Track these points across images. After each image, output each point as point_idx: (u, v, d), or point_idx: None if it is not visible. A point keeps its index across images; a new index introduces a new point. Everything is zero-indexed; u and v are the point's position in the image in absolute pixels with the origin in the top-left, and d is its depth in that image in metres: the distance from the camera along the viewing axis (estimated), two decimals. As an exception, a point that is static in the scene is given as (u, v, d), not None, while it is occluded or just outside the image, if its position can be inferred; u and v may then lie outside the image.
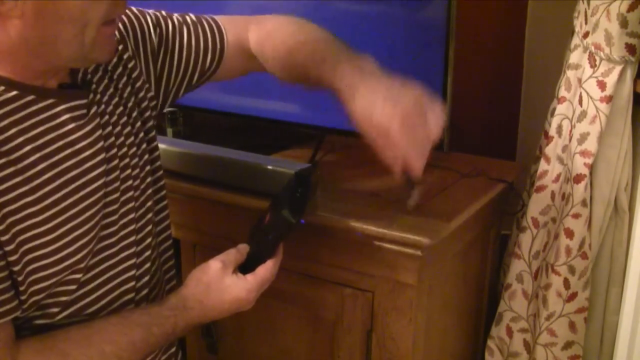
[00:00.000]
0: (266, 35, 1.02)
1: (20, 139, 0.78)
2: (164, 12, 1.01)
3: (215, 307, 0.90)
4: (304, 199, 0.96)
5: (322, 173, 1.14)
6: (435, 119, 0.86)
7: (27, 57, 0.78)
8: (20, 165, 0.77)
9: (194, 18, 1.02)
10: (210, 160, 1.19)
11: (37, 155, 0.79)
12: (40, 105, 0.80)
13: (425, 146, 0.86)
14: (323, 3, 1.26)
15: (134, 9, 0.97)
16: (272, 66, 1.01)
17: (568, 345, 1.21)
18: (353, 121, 0.88)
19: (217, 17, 1.04)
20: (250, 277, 0.91)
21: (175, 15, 1.01)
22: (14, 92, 0.78)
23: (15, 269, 0.77)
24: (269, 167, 1.12)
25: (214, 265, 0.90)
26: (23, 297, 0.79)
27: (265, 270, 0.92)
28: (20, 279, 0.78)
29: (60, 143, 0.81)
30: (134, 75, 0.95)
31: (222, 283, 0.89)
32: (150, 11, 0.99)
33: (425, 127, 0.86)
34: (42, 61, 0.79)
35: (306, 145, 1.35)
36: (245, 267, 0.92)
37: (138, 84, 0.95)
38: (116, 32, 0.92)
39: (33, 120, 0.79)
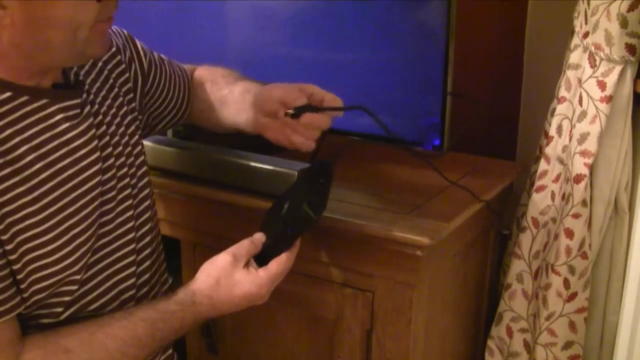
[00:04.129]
0: (201, 72, 1.14)
1: (16, 140, 0.78)
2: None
3: (225, 302, 0.89)
4: (325, 191, 0.93)
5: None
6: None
7: (21, 60, 0.78)
8: (17, 166, 0.77)
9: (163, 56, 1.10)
10: (210, 160, 1.19)
11: (33, 155, 0.79)
12: (34, 105, 0.81)
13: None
14: (323, 2, 1.26)
15: (125, 32, 1.02)
16: (199, 97, 1.11)
17: (568, 345, 1.21)
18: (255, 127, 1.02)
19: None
20: (262, 272, 0.89)
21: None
22: (8, 94, 0.78)
23: (16, 267, 0.77)
24: (269, 167, 1.12)
25: (225, 258, 0.89)
26: (25, 295, 0.79)
27: (278, 264, 0.90)
28: (20, 277, 0.78)
29: (56, 142, 0.82)
30: (127, 87, 0.97)
31: (232, 278, 0.88)
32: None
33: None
34: (35, 63, 0.79)
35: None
36: (261, 258, 0.91)
37: (129, 96, 0.98)
38: (113, 43, 0.97)
39: (28, 121, 0.79)
